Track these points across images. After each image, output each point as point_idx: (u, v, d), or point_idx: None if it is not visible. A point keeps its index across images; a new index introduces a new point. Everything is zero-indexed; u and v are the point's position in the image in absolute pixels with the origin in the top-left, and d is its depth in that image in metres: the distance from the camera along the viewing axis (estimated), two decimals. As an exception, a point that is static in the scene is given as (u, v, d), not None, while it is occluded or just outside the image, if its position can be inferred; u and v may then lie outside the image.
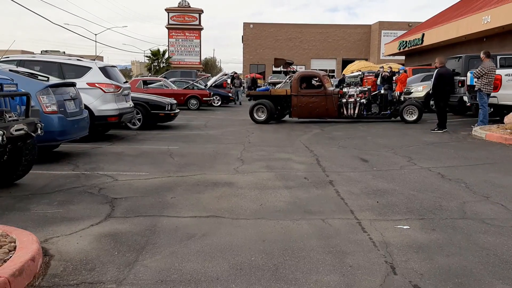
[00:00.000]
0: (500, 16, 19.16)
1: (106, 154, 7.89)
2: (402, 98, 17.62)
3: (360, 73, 16.14)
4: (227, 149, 8.62)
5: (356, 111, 13.64)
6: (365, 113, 13.84)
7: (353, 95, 13.68)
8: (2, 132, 4.22)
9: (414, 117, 13.35)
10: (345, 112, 13.72)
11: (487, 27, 20.34)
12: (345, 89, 14.03)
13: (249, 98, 15.58)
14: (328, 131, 11.76)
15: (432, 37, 26.51)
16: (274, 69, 50.28)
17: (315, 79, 14.20)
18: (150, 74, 40.05)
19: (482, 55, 11.09)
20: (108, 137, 9.99)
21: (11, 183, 5.46)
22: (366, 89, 14.05)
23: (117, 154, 7.91)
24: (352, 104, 13.65)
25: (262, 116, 14.02)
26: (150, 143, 9.38)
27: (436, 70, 11.17)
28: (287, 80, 15.91)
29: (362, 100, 13.65)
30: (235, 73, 28.53)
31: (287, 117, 14.83)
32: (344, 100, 13.71)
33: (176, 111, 12.59)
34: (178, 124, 13.43)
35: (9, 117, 4.59)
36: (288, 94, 14.07)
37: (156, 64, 50.00)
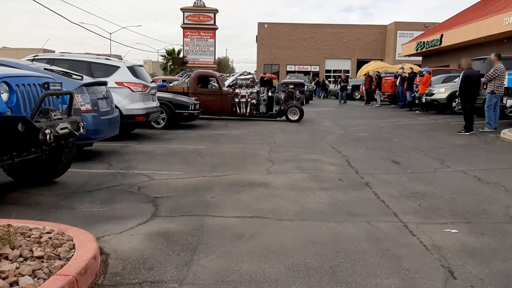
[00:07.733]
0: (522, 17, 18.92)
1: (137, 153, 7.94)
2: (423, 100, 17.59)
3: (251, 76, 16.75)
4: (254, 149, 8.63)
5: (248, 110, 14.67)
6: (255, 112, 14.86)
7: (244, 96, 14.67)
8: (49, 131, 4.26)
9: (297, 117, 14.54)
10: (238, 110, 14.70)
11: (508, 28, 20.06)
12: (237, 90, 14.82)
13: None
14: (352, 133, 11.71)
15: (451, 38, 26.23)
16: (289, 69, 50.50)
17: (211, 79, 15.09)
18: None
19: (493, 57, 11.10)
20: (134, 136, 10.05)
21: (50, 181, 5.53)
22: (255, 91, 14.98)
23: (147, 153, 7.95)
24: (244, 103, 14.66)
25: None
26: (177, 143, 9.42)
27: (463, 71, 11.06)
28: (185, 79, 16.69)
29: (252, 101, 14.68)
30: (248, 73, 28.38)
31: None
32: (237, 100, 14.65)
33: (199, 110, 12.64)
34: (200, 123, 13.47)
35: (54, 115, 4.63)
36: (185, 91, 14.63)
37: (171, 63, 50.13)
